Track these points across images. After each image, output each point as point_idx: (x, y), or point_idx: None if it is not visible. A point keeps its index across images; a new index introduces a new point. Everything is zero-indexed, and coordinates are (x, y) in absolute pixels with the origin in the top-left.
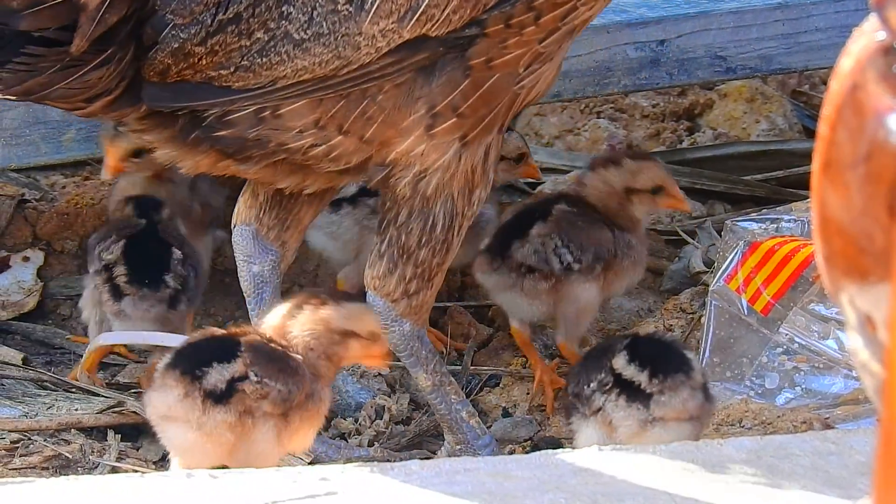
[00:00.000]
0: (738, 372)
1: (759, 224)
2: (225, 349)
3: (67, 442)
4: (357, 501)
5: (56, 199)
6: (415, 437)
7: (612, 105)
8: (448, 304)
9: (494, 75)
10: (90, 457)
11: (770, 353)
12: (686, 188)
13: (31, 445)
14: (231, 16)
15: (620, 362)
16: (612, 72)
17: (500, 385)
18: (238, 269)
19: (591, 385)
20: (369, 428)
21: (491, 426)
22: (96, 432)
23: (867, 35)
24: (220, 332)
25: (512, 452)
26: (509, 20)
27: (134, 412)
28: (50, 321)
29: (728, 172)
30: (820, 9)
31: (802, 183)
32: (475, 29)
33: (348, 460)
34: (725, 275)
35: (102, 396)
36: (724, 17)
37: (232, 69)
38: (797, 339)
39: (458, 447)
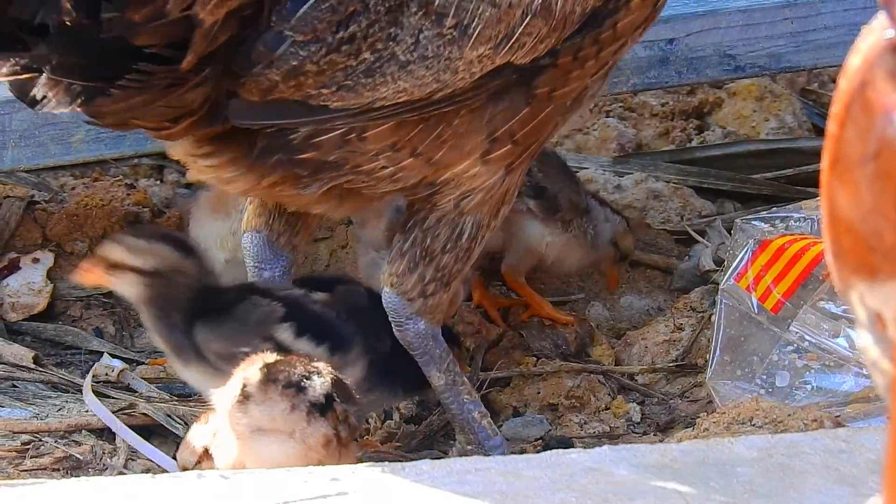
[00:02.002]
0: (749, 370)
1: (769, 222)
2: (313, 367)
3: (78, 443)
4: (368, 501)
5: (66, 200)
6: (425, 438)
7: (621, 104)
8: None
9: (551, 106)
10: (101, 458)
11: (780, 351)
12: (695, 187)
13: (42, 447)
14: (348, 35)
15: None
16: (622, 70)
17: (511, 384)
18: (248, 274)
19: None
20: (380, 429)
21: (502, 425)
22: (107, 434)
23: (876, 33)
24: (292, 357)
25: (523, 452)
26: (577, 52)
27: (144, 413)
28: (60, 322)
29: (737, 171)
30: (829, 7)
31: (812, 181)
32: (548, 59)
33: (359, 460)
34: (735, 273)
35: (113, 398)
36: (733, 16)
37: (334, 88)
38: (807, 338)
39: (470, 447)
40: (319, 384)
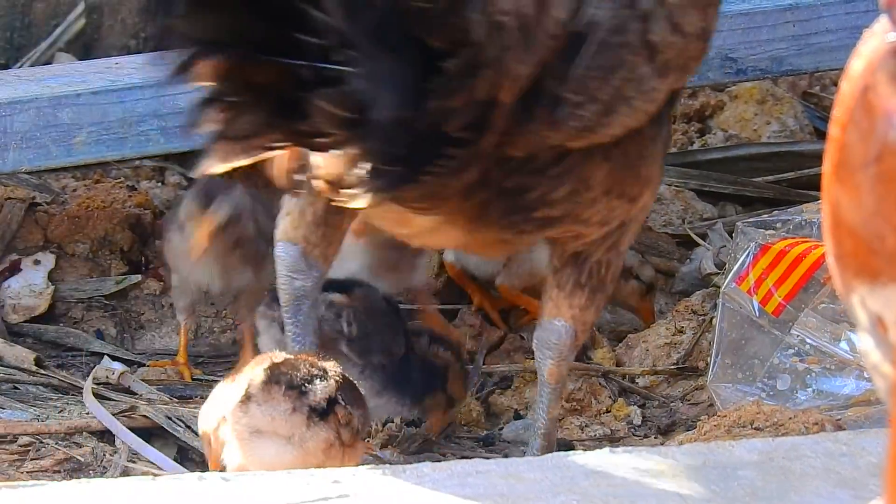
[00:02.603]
0: (750, 373)
1: (771, 226)
2: (317, 368)
3: (79, 445)
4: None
5: (67, 202)
6: (426, 440)
7: None
8: (459, 305)
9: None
10: (102, 460)
11: (781, 354)
12: (697, 190)
13: (43, 449)
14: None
15: None
16: None
17: (512, 387)
18: (278, 282)
19: None
20: (381, 432)
21: (503, 428)
22: (108, 436)
23: (878, 36)
24: (301, 355)
25: (524, 454)
26: None
27: (144, 416)
28: (61, 324)
29: (739, 174)
30: (830, 10)
31: (813, 184)
32: None
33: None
34: (737, 276)
35: (113, 400)
36: (735, 19)
37: (583, 131)
38: (809, 341)
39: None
40: (321, 388)
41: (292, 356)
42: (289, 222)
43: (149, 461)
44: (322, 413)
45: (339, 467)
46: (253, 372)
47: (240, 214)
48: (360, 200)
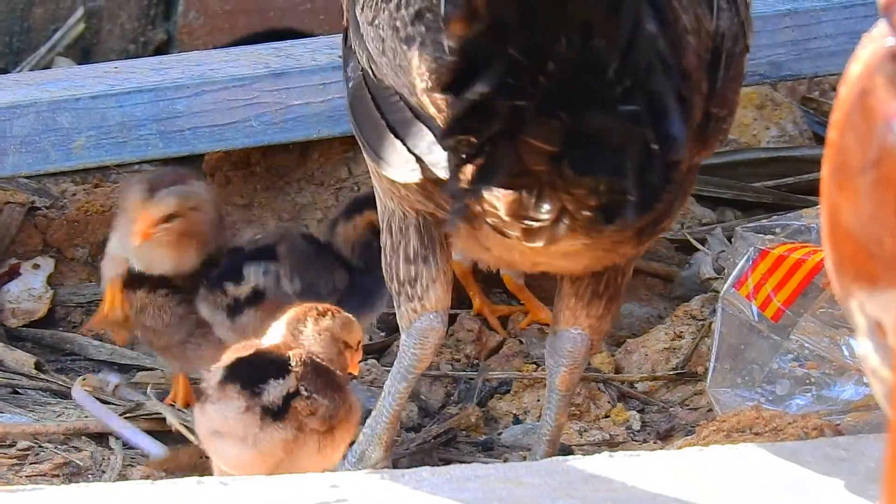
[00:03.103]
0: (749, 378)
1: (770, 231)
2: (276, 364)
3: (78, 449)
4: None
5: (66, 206)
6: (424, 444)
7: None
8: (458, 311)
9: None
10: (101, 464)
11: (781, 359)
12: (696, 195)
13: (42, 453)
14: None
15: None
16: None
17: (511, 392)
18: (417, 351)
19: None
20: None
21: (501, 433)
22: (106, 439)
23: (876, 41)
24: (267, 346)
25: (523, 459)
26: None
27: (149, 416)
28: (60, 328)
29: (738, 179)
30: (829, 15)
31: (812, 189)
32: None
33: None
34: (736, 281)
35: (113, 404)
36: None
37: (718, 147)
38: (808, 346)
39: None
40: (275, 387)
41: (265, 346)
42: (441, 288)
43: (148, 466)
44: (276, 412)
45: (315, 459)
46: (215, 369)
47: (191, 206)
48: (542, 235)
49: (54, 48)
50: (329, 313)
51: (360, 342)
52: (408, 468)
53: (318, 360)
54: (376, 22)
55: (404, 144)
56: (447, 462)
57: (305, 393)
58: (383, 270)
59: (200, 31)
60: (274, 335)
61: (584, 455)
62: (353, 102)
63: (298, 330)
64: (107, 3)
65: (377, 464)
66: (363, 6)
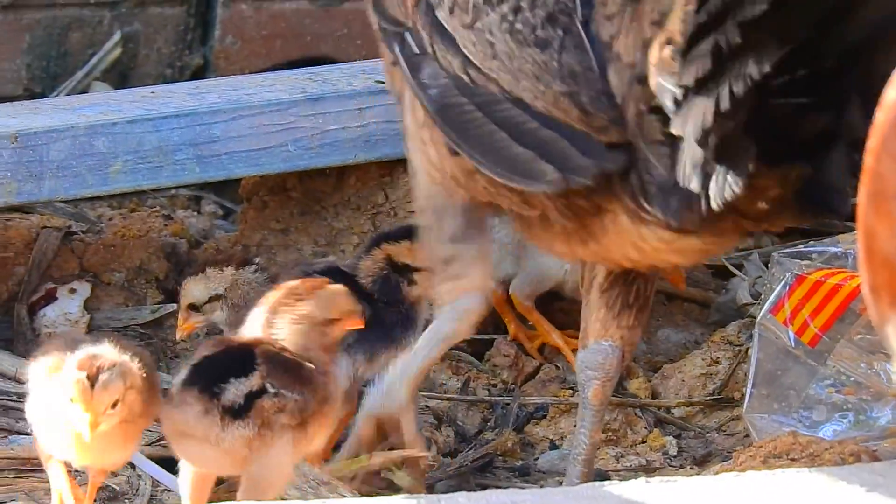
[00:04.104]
0: (786, 404)
1: (806, 256)
2: (241, 362)
3: (114, 474)
4: None
5: (103, 230)
6: (460, 469)
7: None
8: (495, 336)
9: None
10: (137, 489)
11: (817, 385)
12: None
13: (79, 478)
14: None
15: None
16: None
17: (548, 417)
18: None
19: None
20: None
21: (538, 458)
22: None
23: None
24: (235, 341)
25: (559, 484)
26: None
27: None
28: None
29: None
30: None
31: (849, 215)
32: None
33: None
34: (772, 307)
35: (148, 430)
36: None
37: None
38: (844, 371)
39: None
40: (235, 388)
41: (237, 341)
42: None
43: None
44: (237, 411)
45: (284, 454)
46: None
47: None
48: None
49: (91, 73)
50: (308, 296)
51: (349, 311)
52: (445, 493)
53: (286, 355)
54: (478, 25)
55: (553, 156)
56: (484, 487)
57: (272, 390)
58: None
59: (237, 56)
60: (253, 325)
61: (621, 480)
62: (444, 110)
63: (273, 322)
64: (144, 27)
65: (405, 401)
66: (451, 9)
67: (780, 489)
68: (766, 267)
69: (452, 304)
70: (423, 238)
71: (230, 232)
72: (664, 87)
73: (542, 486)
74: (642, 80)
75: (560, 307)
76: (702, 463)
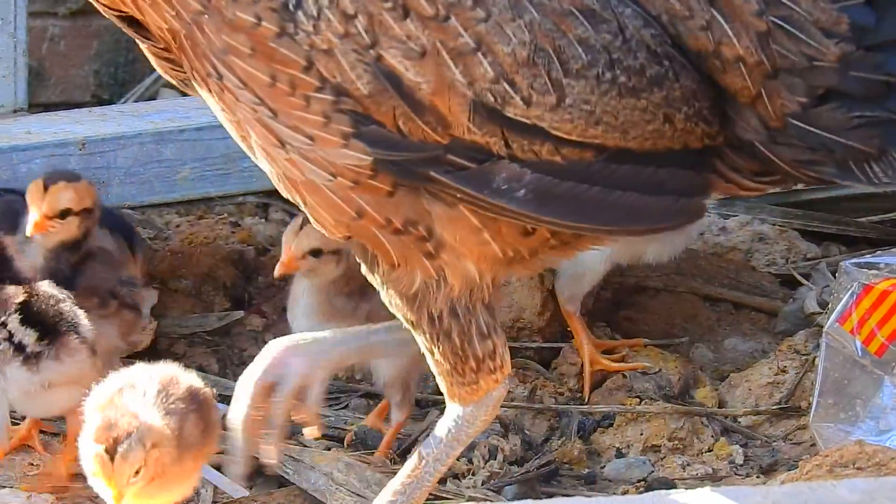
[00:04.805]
0: (852, 413)
1: (874, 266)
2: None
3: None
4: None
5: (170, 237)
6: (526, 474)
7: None
8: (562, 344)
9: None
10: (201, 495)
11: (884, 394)
12: (800, 229)
13: None
14: None
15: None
16: None
17: (614, 425)
18: None
19: None
20: (483, 468)
21: (604, 466)
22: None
23: None
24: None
25: (625, 493)
26: None
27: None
28: (164, 359)
29: (842, 214)
30: None
31: None
32: None
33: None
34: (840, 316)
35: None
36: None
37: None
38: None
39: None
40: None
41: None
42: (507, 351)
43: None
44: None
45: None
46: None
47: None
48: None
49: (159, 80)
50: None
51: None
52: (511, 500)
53: None
54: (568, 101)
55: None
56: (550, 496)
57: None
58: (437, 360)
59: None
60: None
61: (687, 489)
62: (549, 200)
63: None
64: None
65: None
66: (527, 101)
67: (846, 498)
68: (834, 276)
69: (482, 400)
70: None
71: None
72: None
73: (608, 495)
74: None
75: (626, 316)
76: (768, 472)
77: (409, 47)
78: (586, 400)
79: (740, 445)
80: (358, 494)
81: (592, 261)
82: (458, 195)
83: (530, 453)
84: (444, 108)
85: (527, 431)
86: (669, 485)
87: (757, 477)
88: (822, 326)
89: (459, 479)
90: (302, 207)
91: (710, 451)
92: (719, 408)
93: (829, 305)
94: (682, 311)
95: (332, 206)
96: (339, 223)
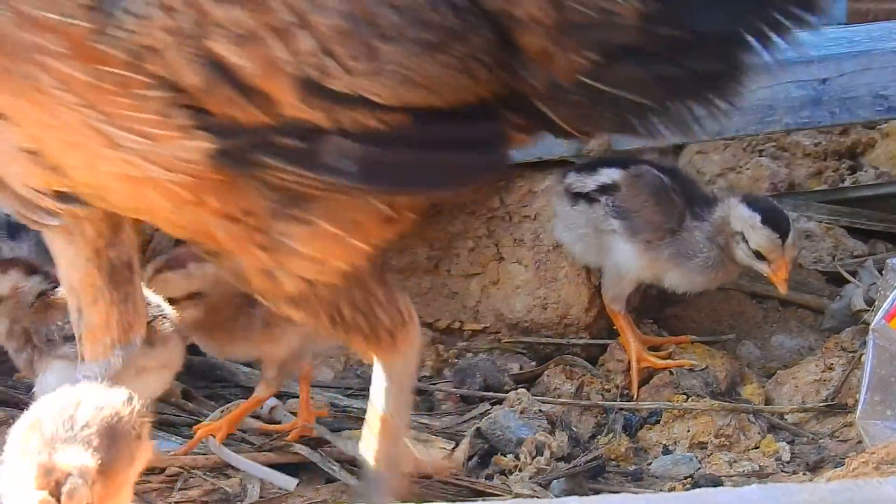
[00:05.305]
0: None
1: None
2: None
3: (227, 476)
4: None
5: None
6: (573, 470)
7: (773, 143)
8: (609, 341)
9: None
10: (248, 492)
11: None
12: (847, 227)
13: (191, 479)
14: None
15: None
16: (774, 110)
17: (661, 422)
18: None
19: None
20: (530, 464)
21: (651, 463)
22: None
23: None
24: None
25: (672, 489)
26: None
27: (295, 452)
28: (209, 355)
29: (890, 211)
30: None
31: None
32: None
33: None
34: (886, 313)
35: (249, 443)
36: (887, 57)
37: None
38: None
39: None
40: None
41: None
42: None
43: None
44: None
45: None
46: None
47: None
48: None
49: None
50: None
51: None
52: (558, 496)
53: None
54: None
55: None
56: (597, 492)
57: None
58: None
59: None
60: None
61: (734, 486)
62: (374, 168)
63: None
64: None
65: None
66: (352, 73)
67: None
68: (881, 274)
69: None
70: None
71: None
72: None
73: (654, 492)
74: None
75: (674, 313)
76: (814, 469)
77: (235, 32)
78: (633, 397)
79: (787, 442)
80: None
81: (630, 264)
82: (290, 178)
83: (577, 449)
84: (271, 88)
85: (574, 428)
86: (716, 482)
87: (803, 474)
88: (868, 324)
89: (506, 475)
90: (137, 214)
91: (756, 447)
92: (766, 405)
93: (876, 303)
94: (728, 308)
95: (175, 203)
96: (180, 222)
